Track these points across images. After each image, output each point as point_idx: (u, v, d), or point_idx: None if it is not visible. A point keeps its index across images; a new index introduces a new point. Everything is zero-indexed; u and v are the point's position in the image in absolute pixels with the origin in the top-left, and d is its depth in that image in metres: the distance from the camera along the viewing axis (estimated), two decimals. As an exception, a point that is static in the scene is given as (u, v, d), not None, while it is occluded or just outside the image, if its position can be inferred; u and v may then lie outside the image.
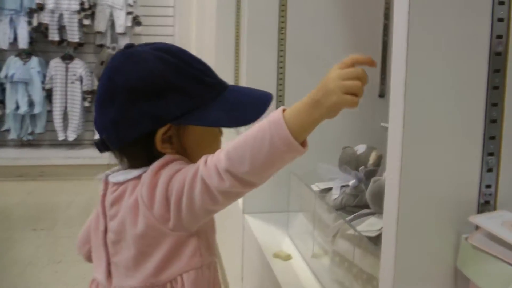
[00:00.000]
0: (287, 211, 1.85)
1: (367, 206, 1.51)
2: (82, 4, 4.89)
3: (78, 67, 5.09)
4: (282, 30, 1.92)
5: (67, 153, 5.12)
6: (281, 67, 1.94)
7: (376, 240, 1.28)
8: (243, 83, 1.95)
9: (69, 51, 5.13)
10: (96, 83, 2.54)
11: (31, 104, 5.17)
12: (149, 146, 1.07)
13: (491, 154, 0.78)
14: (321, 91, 0.90)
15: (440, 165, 0.80)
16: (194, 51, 4.26)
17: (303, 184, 1.64)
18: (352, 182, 1.57)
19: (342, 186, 1.61)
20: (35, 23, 5.05)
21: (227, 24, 2.98)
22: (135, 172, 1.08)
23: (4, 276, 2.99)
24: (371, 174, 1.61)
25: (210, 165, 0.96)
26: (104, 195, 1.12)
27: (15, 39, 5.12)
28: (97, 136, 1.12)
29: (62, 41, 5.07)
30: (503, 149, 0.78)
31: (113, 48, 4.91)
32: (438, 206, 0.79)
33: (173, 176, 1.02)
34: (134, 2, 4.96)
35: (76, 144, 5.27)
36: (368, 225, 1.32)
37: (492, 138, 0.77)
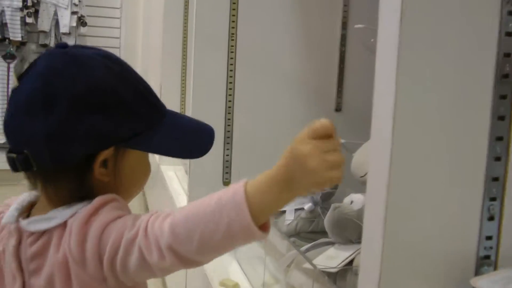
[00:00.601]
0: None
1: (323, 232, 1.35)
2: (25, 1, 4.59)
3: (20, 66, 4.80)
4: (232, 36, 1.75)
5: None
6: (231, 70, 1.76)
7: (336, 276, 1.12)
8: (191, 88, 1.77)
9: (11, 50, 4.82)
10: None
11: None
12: (84, 172, 0.89)
13: (493, 199, 0.62)
14: (298, 171, 0.73)
15: (432, 211, 0.64)
16: (140, 54, 4.09)
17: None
18: (307, 205, 1.41)
19: (296, 210, 1.44)
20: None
21: (174, 27, 2.81)
22: (58, 218, 0.87)
23: None
24: (327, 196, 1.46)
25: (151, 237, 0.79)
26: (18, 246, 0.90)
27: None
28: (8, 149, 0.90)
29: (3, 39, 4.76)
30: (508, 192, 0.62)
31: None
32: (428, 261, 0.63)
33: (105, 227, 0.83)
34: (80, 1, 4.68)
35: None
36: (327, 258, 1.16)
37: (495, 179, 0.62)
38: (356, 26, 1.82)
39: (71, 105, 0.85)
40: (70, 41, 4.68)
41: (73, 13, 4.66)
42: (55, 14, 4.69)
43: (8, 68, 4.78)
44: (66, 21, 4.66)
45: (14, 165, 0.87)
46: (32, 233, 0.88)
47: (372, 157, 0.67)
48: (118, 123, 0.88)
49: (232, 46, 1.75)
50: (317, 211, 1.41)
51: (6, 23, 4.66)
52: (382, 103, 0.67)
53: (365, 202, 0.67)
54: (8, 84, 4.79)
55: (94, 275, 0.83)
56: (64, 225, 0.86)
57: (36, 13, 4.66)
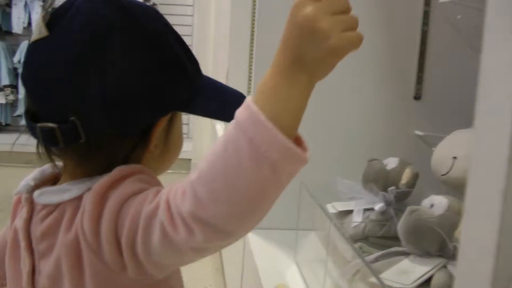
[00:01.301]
0: (296, 229, 1.48)
1: (396, 239, 1.14)
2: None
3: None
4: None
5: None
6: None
7: (410, 295, 0.91)
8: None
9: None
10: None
11: (44, 90, 4.86)
12: (139, 143, 0.74)
13: None
14: (306, 41, 0.57)
15: None
16: (211, 42, 3.95)
17: (315, 203, 1.27)
18: (379, 206, 1.20)
19: (365, 210, 1.24)
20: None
21: (242, 12, 2.63)
22: (74, 191, 0.72)
23: None
24: (403, 196, 1.24)
25: (174, 208, 0.60)
26: (29, 220, 0.75)
27: (30, 23, 4.90)
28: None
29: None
30: None
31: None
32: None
33: (124, 202, 0.66)
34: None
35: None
36: (399, 272, 0.95)
37: None
38: (441, 0, 1.58)
39: (129, 61, 0.71)
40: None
41: (145, 1, 4.60)
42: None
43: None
44: (139, 9, 4.61)
45: (51, 138, 0.70)
46: (44, 206, 0.74)
47: (477, 154, 0.46)
48: (177, 82, 0.74)
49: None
50: (390, 212, 1.20)
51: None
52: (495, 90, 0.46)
53: (465, 211, 0.47)
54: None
55: (111, 261, 0.67)
56: (79, 199, 0.71)
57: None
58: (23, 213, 0.76)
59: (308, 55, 0.57)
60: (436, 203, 0.99)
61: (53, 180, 0.79)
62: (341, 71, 1.57)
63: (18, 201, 0.80)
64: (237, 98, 0.77)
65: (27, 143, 0.79)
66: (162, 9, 4.64)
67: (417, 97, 1.66)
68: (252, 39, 2.62)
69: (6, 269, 0.81)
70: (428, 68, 1.64)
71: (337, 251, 1.18)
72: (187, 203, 0.58)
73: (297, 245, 1.43)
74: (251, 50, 2.62)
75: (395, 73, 1.64)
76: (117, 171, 0.70)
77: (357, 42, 0.58)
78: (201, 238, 0.58)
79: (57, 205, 0.73)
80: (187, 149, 4.58)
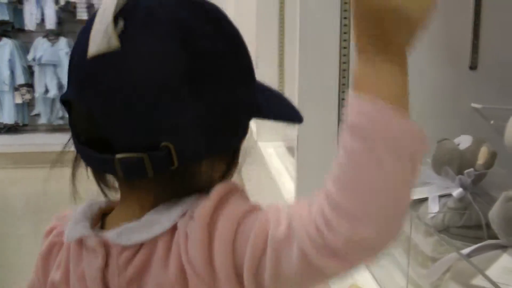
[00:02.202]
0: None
1: (478, 227, 1.02)
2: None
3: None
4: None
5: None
6: (345, 29, 1.44)
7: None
8: (296, 57, 1.46)
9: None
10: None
11: (60, 87, 4.84)
12: (233, 162, 0.67)
13: None
14: (383, 17, 0.51)
15: None
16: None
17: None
18: (457, 191, 1.07)
19: (440, 197, 1.11)
20: (62, 2, 4.69)
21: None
22: (163, 222, 0.62)
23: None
24: (479, 178, 1.12)
25: (316, 233, 0.52)
26: (106, 267, 0.63)
27: (43, 19, 4.81)
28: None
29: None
30: None
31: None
32: None
33: (237, 226, 0.58)
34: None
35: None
36: (504, 271, 0.82)
37: None
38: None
39: (222, 75, 0.62)
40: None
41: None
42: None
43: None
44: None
45: (138, 169, 0.60)
46: (124, 248, 0.63)
47: None
48: (252, 88, 0.66)
49: (346, 3, 1.42)
50: (468, 198, 1.07)
51: (93, 4, 4.57)
52: None
53: None
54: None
55: None
56: (172, 229, 0.61)
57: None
58: (96, 261, 0.63)
59: (389, 33, 0.53)
60: (462, 141, 0.88)
61: (101, 217, 0.69)
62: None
63: (59, 247, 0.70)
64: (279, 95, 0.72)
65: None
66: None
67: (473, 67, 1.52)
68: (281, 20, 2.49)
69: None
70: (484, 36, 1.50)
71: (414, 246, 1.06)
72: (338, 225, 0.51)
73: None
74: (281, 33, 2.49)
75: (450, 43, 1.50)
76: (218, 189, 0.61)
77: (433, 3, 0.54)
78: (352, 259, 0.53)
79: (141, 244, 0.62)
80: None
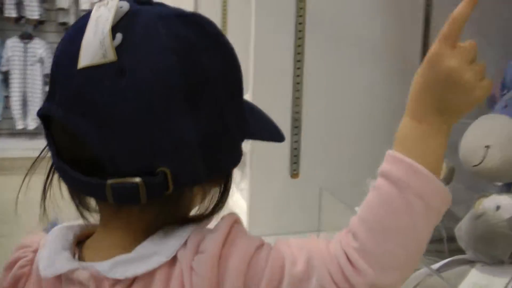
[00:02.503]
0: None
1: (439, 242, 1.05)
2: (41, -24, 4.29)
3: (38, 47, 4.49)
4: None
5: (26, 144, 4.46)
6: (299, 38, 1.43)
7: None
8: (250, 62, 1.44)
9: (28, 30, 4.52)
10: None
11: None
12: (225, 185, 0.65)
13: None
14: (448, 91, 0.58)
15: None
16: None
17: (348, 209, 1.15)
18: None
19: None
20: (-12, -2, 4.46)
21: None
22: (162, 254, 0.58)
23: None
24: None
25: (342, 278, 0.55)
26: None
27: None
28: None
29: (20, 18, 4.46)
30: None
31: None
32: None
33: (249, 262, 0.57)
34: (100, -25, 4.37)
35: (37, 133, 4.63)
36: (474, 287, 0.84)
37: None
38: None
39: (220, 93, 0.60)
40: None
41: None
42: (74, -11, 4.38)
43: (25, 48, 4.49)
44: (87, -3, 4.35)
45: (131, 195, 0.56)
46: (116, 281, 0.58)
47: None
48: (244, 110, 0.64)
49: (301, 8, 1.42)
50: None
51: (22, 1, 4.36)
52: None
53: None
54: (25, 65, 4.50)
55: None
56: (171, 261, 0.58)
57: (53, -10, 4.36)
58: None
59: (452, 104, 0.59)
60: (503, 205, 0.89)
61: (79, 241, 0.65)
62: (350, 63, 1.48)
63: (20, 282, 0.65)
64: (261, 112, 0.70)
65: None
66: None
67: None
68: (223, 20, 2.47)
69: None
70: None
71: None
72: (363, 269, 0.55)
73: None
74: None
75: (401, 58, 1.54)
76: (225, 223, 0.59)
77: (491, 88, 0.61)
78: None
79: (135, 277, 0.58)
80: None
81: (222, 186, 0.63)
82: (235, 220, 0.60)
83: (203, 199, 0.63)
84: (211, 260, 0.56)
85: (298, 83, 1.45)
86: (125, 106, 0.54)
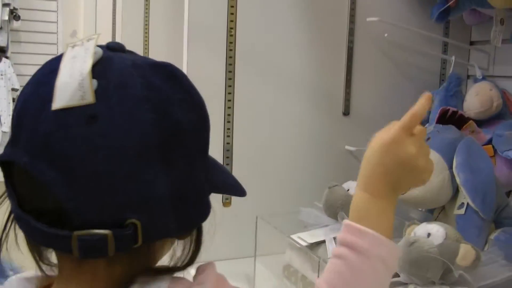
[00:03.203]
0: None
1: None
2: (-51, -7, 4.08)
3: None
4: (231, 31, 1.46)
5: None
6: (230, 71, 1.47)
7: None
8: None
9: None
10: None
11: None
12: (198, 238, 0.63)
13: None
14: (404, 174, 0.68)
15: None
16: None
17: (284, 237, 1.19)
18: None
19: (335, 238, 1.19)
20: None
21: (134, 19, 2.47)
22: None
23: None
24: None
25: None
26: None
27: None
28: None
29: None
30: None
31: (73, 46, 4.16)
32: None
33: None
34: (12, -7, 4.22)
35: None
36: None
37: None
38: (369, 19, 1.58)
39: (192, 146, 0.58)
40: (2, 37, 4.21)
41: (4, 5, 4.19)
42: (-16, 7, 4.21)
43: None
44: (-3, 15, 4.19)
45: (98, 248, 0.53)
46: None
47: None
48: (210, 165, 0.63)
49: (231, 43, 1.46)
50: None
51: None
52: None
53: None
54: None
55: None
56: None
57: (-38, 7, 4.17)
58: None
59: (404, 184, 0.68)
60: (433, 232, 0.97)
61: None
62: (277, 94, 1.53)
63: None
64: (223, 167, 0.70)
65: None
66: (23, 15, 4.27)
67: (346, 113, 1.64)
68: (145, 52, 2.48)
69: None
70: (355, 85, 1.63)
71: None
72: None
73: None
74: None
75: (325, 91, 1.61)
76: (209, 275, 0.60)
77: (433, 170, 0.71)
78: None
79: None
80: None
81: (194, 237, 0.62)
82: (217, 273, 0.61)
83: (171, 248, 0.62)
84: None
85: (229, 115, 1.48)
86: (95, 155, 0.52)
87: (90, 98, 0.52)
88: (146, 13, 2.43)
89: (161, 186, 0.54)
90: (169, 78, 0.58)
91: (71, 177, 0.52)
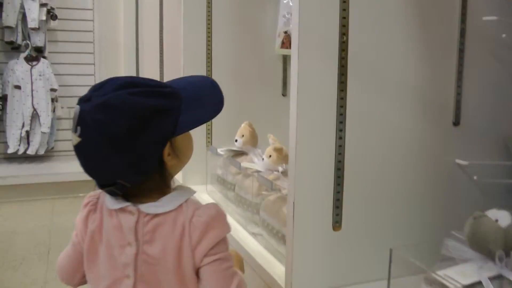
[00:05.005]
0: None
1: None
2: (-15, -6, 3.91)
3: (-18, 66, 4.11)
4: (343, 40, 1.28)
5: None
6: (342, 82, 1.30)
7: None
8: (294, 105, 1.29)
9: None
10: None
11: None
12: (161, 167, 1.11)
13: None
14: None
15: None
16: (122, 50, 3.57)
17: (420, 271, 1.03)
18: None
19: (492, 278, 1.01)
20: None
21: (195, 20, 2.29)
22: (171, 205, 1.12)
23: None
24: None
25: None
26: (137, 222, 1.11)
27: None
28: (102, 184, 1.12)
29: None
30: None
31: (26, 46, 4.01)
32: None
33: (211, 249, 1.11)
34: (48, -8, 4.04)
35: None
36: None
37: None
38: (486, 18, 1.39)
39: (127, 138, 1.04)
40: (40, 37, 4.05)
41: (42, 5, 4.01)
42: (22, 7, 4.03)
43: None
44: (35, 15, 4.00)
45: (115, 193, 1.12)
46: (147, 214, 1.11)
47: None
48: (161, 125, 1.06)
49: (343, 50, 1.28)
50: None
51: (-35, 19, 3.98)
52: None
53: None
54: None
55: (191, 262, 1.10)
56: (177, 209, 1.12)
57: (0, 7, 4.00)
58: (132, 218, 1.12)
59: None
60: (500, 217, 0.99)
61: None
62: (383, 105, 1.36)
63: (90, 213, 1.18)
64: (205, 85, 1.19)
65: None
66: (60, 14, 4.10)
67: (456, 122, 1.46)
68: (208, 56, 2.30)
69: (97, 261, 1.16)
70: (467, 91, 1.45)
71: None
72: None
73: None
74: (208, 69, 2.31)
75: (434, 99, 1.43)
76: (213, 212, 1.13)
77: None
78: None
79: (156, 214, 1.11)
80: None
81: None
82: (217, 210, 1.12)
83: (163, 173, 1.13)
84: (200, 227, 1.09)
85: (341, 130, 1.31)
86: (96, 163, 1.09)
87: (77, 140, 1.06)
88: (209, 15, 2.25)
89: (121, 164, 1.06)
90: (106, 108, 1.04)
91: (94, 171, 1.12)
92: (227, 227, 1.12)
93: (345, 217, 1.34)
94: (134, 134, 1.03)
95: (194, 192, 1.16)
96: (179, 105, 1.08)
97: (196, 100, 1.11)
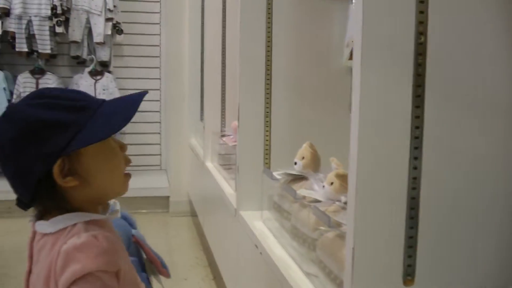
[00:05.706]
0: None
1: None
2: (54, 8, 3.86)
3: (50, 82, 4.06)
4: (420, 38, 0.99)
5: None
6: (418, 95, 1.01)
7: None
8: (356, 124, 1.01)
9: (40, 64, 4.10)
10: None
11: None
12: (51, 187, 1.00)
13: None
14: None
15: None
16: (186, 63, 3.41)
17: None
18: None
19: None
20: (-1, 31, 4.05)
21: (253, 32, 2.06)
22: (52, 227, 1.01)
23: None
24: None
25: None
26: (33, 239, 1.06)
27: (-25, 50, 4.13)
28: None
29: (31, 52, 4.05)
30: None
31: (91, 60, 3.94)
32: None
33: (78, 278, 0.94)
34: (115, 7, 3.95)
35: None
36: None
37: None
38: None
39: (11, 148, 1.00)
40: (105, 52, 3.96)
41: (107, 20, 3.95)
42: (88, 22, 3.98)
43: (37, 84, 4.07)
44: (100, 29, 3.94)
45: (21, 206, 1.06)
46: (39, 233, 1.04)
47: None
48: (51, 140, 0.98)
49: (421, 54, 0.99)
50: None
51: (33, 34, 3.96)
52: None
53: None
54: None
55: None
56: (55, 234, 1.00)
57: (66, 22, 3.95)
58: (31, 233, 1.07)
59: None
60: None
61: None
62: (467, 125, 1.05)
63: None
64: (129, 99, 1.08)
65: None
66: (126, 28, 4.00)
67: None
68: (268, 66, 2.06)
69: None
70: None
71: None
72: None
73: None
74: (267, 80, 2.06)
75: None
76: (84, 236, 0.99)
77: None
78: None
79: (44, 234, 1.03)
80: (161, 185, 3.91)
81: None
82: (86, 241, 0.98)
83: (55, 195, 1.03)
84: (63, 254, 0.96)
85: (416, 158, 1.01)
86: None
87: None
88: (269, 23, 2.02)
89: (9, 174, 1.02)
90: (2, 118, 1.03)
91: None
92: (94, 264, 0.94)
93: (420, 268, 1.04)
94: (19, 146, 0.98)
95: (95, 216, 1.03)
96: (85, 120, 1.00)
97: (107, 116, 1.02)
